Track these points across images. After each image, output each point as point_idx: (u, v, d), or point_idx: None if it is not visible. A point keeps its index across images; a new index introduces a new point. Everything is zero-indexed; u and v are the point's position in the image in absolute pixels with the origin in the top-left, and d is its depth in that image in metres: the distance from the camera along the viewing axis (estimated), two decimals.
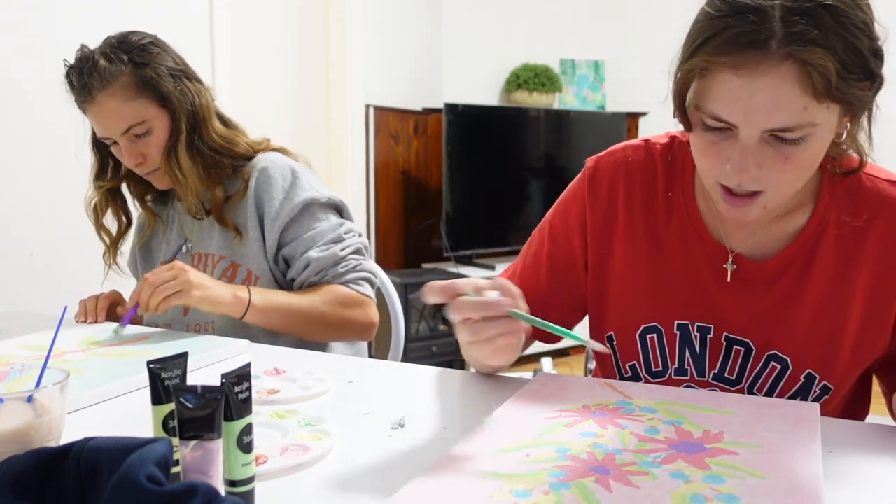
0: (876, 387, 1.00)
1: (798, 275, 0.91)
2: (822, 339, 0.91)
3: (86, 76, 1.26)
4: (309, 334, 1.32)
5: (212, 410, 0.57)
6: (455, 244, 3.60)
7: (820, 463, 0.67)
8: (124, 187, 1.46)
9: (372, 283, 1.39)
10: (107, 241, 1.44)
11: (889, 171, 0.93)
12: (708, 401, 0.85)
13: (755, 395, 0.94)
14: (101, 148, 1.40)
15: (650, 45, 4.19)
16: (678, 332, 0.97)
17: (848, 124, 0.82)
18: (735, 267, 0.93)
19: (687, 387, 0.97)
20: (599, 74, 4.32)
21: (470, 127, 3.60)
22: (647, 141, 1.02)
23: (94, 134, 1.37)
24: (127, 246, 1.50)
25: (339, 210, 1.41)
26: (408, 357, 3.16)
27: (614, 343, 1.02)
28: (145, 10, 2.26)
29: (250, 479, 0.60)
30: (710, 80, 0.78)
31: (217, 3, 2.54)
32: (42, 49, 1.93)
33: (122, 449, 0.52)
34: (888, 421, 0.85)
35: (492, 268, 3.61)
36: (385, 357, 1.64)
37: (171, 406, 0.62)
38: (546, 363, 3.03)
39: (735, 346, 0.95)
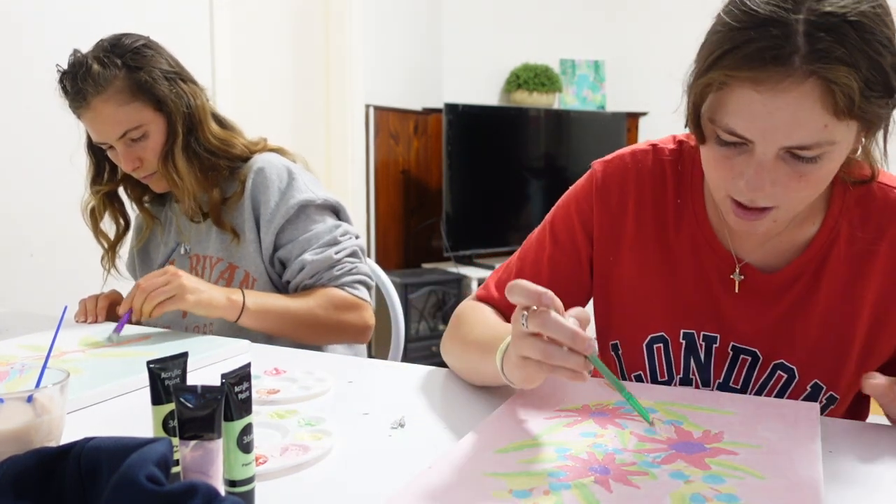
0: None
1: (808, 285, 0.91)
2: (830, 350, 0.91)
3: (80, 82, 1.25)
4: (304, 338, 1.32)
5: (212, 410, 0.57)
6: (455, 244, 3.59)
7: (820, 463, 0.67)
8: (121, 190, 1.45)
9: (368, 286, 1.38)
10: (105, 245, 1.44)
11: None
12: (708, 401, 0.85)
13: None
14: (96, 152, 1.39)
15: (650, 45, 4.20)
16: (684, 342, 0.96)
17: (863, 139, 0.80)
18: (743, 277, 0.92)
19: None
20: (599, 74, 4.32)
21: (470, 127, 3.60)
22: (654, 146, 0.99)
23: (89, 138, 1.37)
24: (125, 248, 1.49)
25: (336, 212, 1.41)
26: (408, 357, 3.16)
27: (619, 352, 1.01)
28: (145, 11, 2.26)
29: (250, 479, 0.60)
30: (727, 93, 0.75)
31: (217, 3, 2.54)
32: (42, 49, 1.93)
33: (122, 449, 0.52)
34: (888, 421, 0.85)
35: (492, 268, 3.61)
36: (385, 357, 1.64)
37: (171, 406, 0.62)
38: None
39: (742, 356, 0.94)
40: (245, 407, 0.59)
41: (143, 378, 0.77)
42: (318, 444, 0.74)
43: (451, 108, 3.52)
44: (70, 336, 1.19)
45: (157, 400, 0.63)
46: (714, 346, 0.95)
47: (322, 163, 3.26)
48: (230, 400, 0.58)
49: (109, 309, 1.37)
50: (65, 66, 1.28)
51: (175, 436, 0.59)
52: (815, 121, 0.72)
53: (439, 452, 0.72)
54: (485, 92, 4.09)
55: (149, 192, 1.46)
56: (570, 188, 1.05)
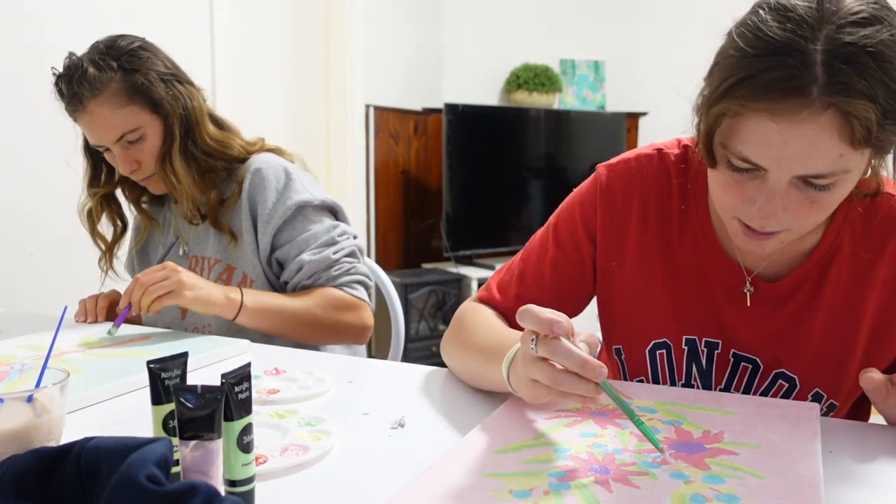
0: None
1: (810, 294, 0.90)
2: (831, 359, 0.91)
3: (75, 85, 1.24)
4: (302, 337, 1.32)
5: (212, 410, 0.57)
6: (455, 244, 3.60)
7: (820, 463, 0.67)
8: (119, 191, 1.45)
9: (366, 287, 1.38)
10: (102, 247, 1.43)
11: None
12: (708, 401, 0.85)
13: None
14: (93, 154, 1.39)
15: (650, 45, 4.21)
16: (686, 348, 0.96)
17: (873, 161, 0.79)
18: (752, 290, 0.92)
19: None
20: (599, 74, 4.32)
21: (470, 127, 3.60)
22: (659, 151, 0.98)
23: (86, 140, 1.36)
24: (123, 249, 1.49)
25: (334, 212, 1.40)
26: (408, 357, 3.16)
27: (622, 357, 1.01)
28: (145, 11, 2.26)
29: (250, 479, 0.60)
30: (742, 121, 0.73)
31: (217, 3, 2.54)
32: (42, 49, 1.93)
33: (122, 449, 0.52)
34: (885, 421, 0.85)
35: (492, 268, 3.61)
36: (385, 357, 1.64)
37: (171, 406, 0.62)
38: None
39: (742, 363, 0.94)
40: (245, 407, 0.59)
41: (143, 378, 0.77)
42: (318, 444, 0.74)
43: (451, 108, 3.52)
44: (70, 336, 1.19)
45: (157, 400, 0.63)
46: (716, 352, 0.95)
47: (322, 163, 3.26)
48: (230, 400, 0.58)
49: (109, 309, 1.37)
50: (60, 69, 1.28)
51: (175, 436, 0.59)
52: (831, 151, 0.71)
53: (439, 452, 0.72)
54: (485, 92, 4.09)
55: (147, 194, 1.45)
56: (574, 191, 1.04)
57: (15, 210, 1.95)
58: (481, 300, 1.07)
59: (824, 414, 0.92)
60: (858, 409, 1.00)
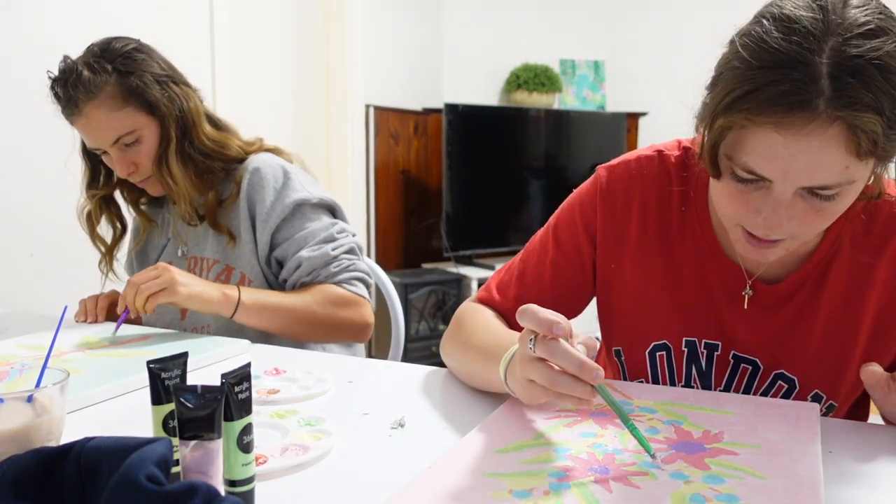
0: None
1: (810, 295, 0.90)
2: (831, 360, 0.91)
3: (70, 88, 1.24)
4: (301, 335, 1.31)
5: (212, 410, 0.57)
6: (455, 244, 3.60)
7: (820, 463, 0.67)
8: (117, 193, 1.45)
9: (366, 283, 1.37)
10: (102, 249, 1.43)
11: None
12: (708, 401, 0.85)
13: None
14: (91, 156, 1.39)
15: (650, 45, 4.21)
16: (686, 349, 0.96)
17: (877, 169, 0.78)
18: (752, 293, 0.92)
19: None
20: (599, 74, 4.32)
21: (470, 127, 3.61)
22: (660, 152, 0.98)
23: (83, 143, 1.36)
24: (122, 252, 1.49)
25: (332, 210, 1.40)
26: (408, 357, 3.16)
27: (622, 358, 1.01)
28: (145, 11, 2.26)
29: (250, 479, 0.60)
30: (747, 134, 0.73)
31: (217, 3, 2.54)
32: (42, 50, 1.94)
33: (122, 449, 0.52)
34: (882, 420, 0.85)
35: (492, 268, 3.61)
36: (385, 357, 1.64)
37: (171, 406, 0.62)
38: None
39: (742, 365, 0.94)
40: (245, 407, 0.59)
41: (143, 378, 0.77)
42: (318, 444, 0.74)
43: (451, 108, 3.52)
44: (70, 336, 1.19)
45: (157, 400, 0.63)
46: (716, 353, 0.95)
47: (322, 163, 3.26)
48: (230, 400, 0.58)
49: (109, 309, 1.37)
50: (56, 73, 1.27)
51: (175, 436, 0.59)
52: (837, 163, 0.71)
53: (439, 452, 0.72)
54: (485, 92, 4.09)
55: (145, 195, 1.45)
56: (574, 192, 1.04)
57: (15, 210, 1.95)
58: (481, 301, 1.07)
59: (823, 414, 0.92)
60: (857, 410, 1.00)
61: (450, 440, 0.77)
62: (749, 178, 0.76)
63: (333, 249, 1.33)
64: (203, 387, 0.57)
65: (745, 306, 0.92)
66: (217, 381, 0.59)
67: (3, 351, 1.09)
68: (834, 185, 0.73)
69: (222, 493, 0.53)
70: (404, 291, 3.31)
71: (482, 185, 3.72)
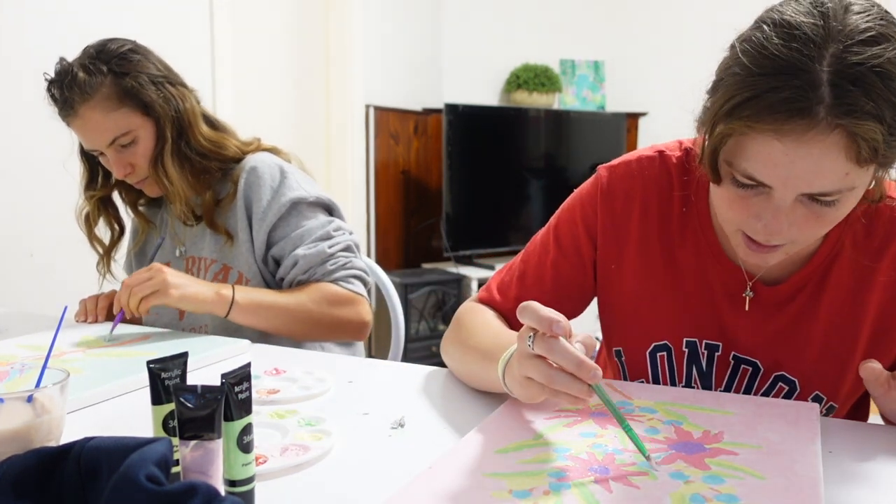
0: None
1: (810, 297, 0.90)
2: (832, 362, 0.91)
3: (66, 90, 1.24)
4: (298, 334, 1.31)
5: (212, 410, 0.57)
6: (455, 244, 3.60)
7: (820, 463, 0.67)
8: (115, 195, 1.45)
9: (364, 281, 1.37)
10: (100, 250, 1.43)
11: None
12: (708, 401, 0.85)
13: None
14: (89, 158, 1.39)
15: (650, 45, 4.21)
16: (686, 350, 0.96)
17: (878, 174, 0.78)
18: (752, 294, 0.92)
19: None
20: (599, 74, 4.32)
21: (470, 127, 3.61)
22: (661, 153, 0.98)
23: (81, 144, 1.36)
24: (122, 252, 1.49)
25: (329, 209, 1.40)
26: (408, 357, 3.16)
27: (623, 358, 1.01)
28: (145, 12, 2.26)
29: (250, 479, 0.60)
30: (747, 140, 0.73)
31: (217, 3, 2.54)
32: (42, 50, 1.94)
33: (122, 449, 0.52)
34: (882, 420, 0.85)
35: (491, 268, 3.61)
36: (385, 357, 1.64)
37: (171, 406, 0.62)
38: None
39: (742, 366, 0.94)
40: (245, 407, 0.59)
41: (143, 378, 0.77)
42: (318, 444, 0.74)
43: (451, 109, 3.52)
44: (70, 336, 1.19)
45: (157, 400, 0.63)
46: (716, 354, 0.95)
47: (322, 163, 3.26)
48: (230, 400, 0.58)
49: (109, 309, 1.37)
50: (52, 74, 1.27)
51: (175, 436, 0.59)
52: (837, 170, 0.71)
53: (439, 452, 0.72)
54: (485, 92, 4.09)
55: (144, 196, 1.45)
56: (575, 192, 1.04)
57: (15, 210, 1.95)
58: (481, 301, 1.07)
59: (823, 416, 0.92)
60: (857, 411, 1.00)
61: (450, 440, 0.77)
62: (749, 184, 0.75)
63: (330, 247, 1.33)
64: (203, 387, 0.57)
65: (746, 308, 0.92)
66: (217, 381, 0.59)
67: (3, 351, 1.09)
68: (834, 192, 0.73)
69: (222, 493, 0.53)
70: (404, 291, 3.31)
71: (482, 185, 3.72)
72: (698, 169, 0.87)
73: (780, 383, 0.93)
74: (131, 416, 0.87)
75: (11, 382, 0.72)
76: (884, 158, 0.71)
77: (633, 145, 4.19)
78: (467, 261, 3.73)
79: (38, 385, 0.69)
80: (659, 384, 0.98)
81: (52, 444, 0.65)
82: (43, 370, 0.70)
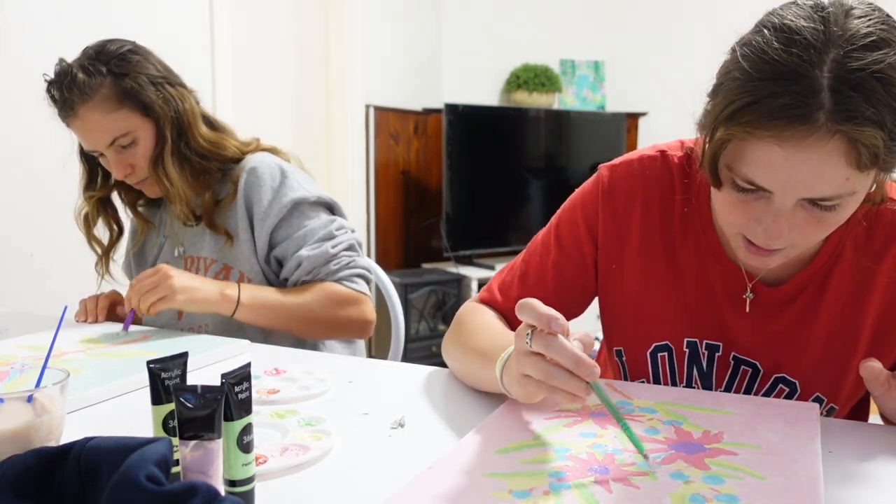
0: None
1: (811, 299, 0.90)
2: (832, 364, 0.91)
3: (65, 91, 1.24)
4: (302, 332, 1.32)
5: (212, 410, 0.57)
6: (455, 244, 3.60)
7: (819, 463, 0.67)
8: (114, 195, 1.45)
9: (367, 280, 1.37)
10: (98, 251, 1.43)
11: None
12: (708, 401, 0.85)
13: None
14: (88, 158, 1.39)
15: (650, 45, 4.21)
16: (687, 350, 0.96)
17: (879, 177, 0.78)
18: (753, 296, 0.92)
19: None
20: (599, 74, 4.32)
21: (470, 127, 3.61)
22: (663, 153, 0.97)
23: (80, 145, 1.36)
24: (120, 252, 1.49)
25: (330, 208, 1.40)
26: (408, 357, 3.16)
27: (623, 358, 1.01)
28: (145, 12, 2.26)
29: (250, 479, 0.60)
30: (748, 145, 0.72)
31: (217, 3, 2.54)
32: (43, 49, 1.94)
33: (122, 449, 0.52)
34: (881, 420, 0.85)
35: (492, 268, 3.61)
36: (385, 357, 1.64)
37: (171, 406, 0.62)
38: None
39: (742, 367, 0.94)
40: (245, 407, 0.59)
41: (143, 378, 0.77)
42: (318, 444, 0.74)
43: (451, 109, 3.52)
44: (70, 336, 1.19)
45: (157, 400, 0.63)
46: (717, 355, 0.95)
47: (322, 163, 3.26)
48: (230, 400, 0.58)
49: (109, 309, 1.37)
50: (52, 75, 1.27)
51: (175, 436, 0.59)
52: (837, 175, 0.70)
53: (439, 452, 0.72)
54: (485, 92, 4.09)
55: (143, 197, 1.45)
56: (576, 191, 1.03)
57: (15, 210, 1.95)
58: (483, 301, 1.07)
59: (823, 416, 0.92)
60: (858, 413, 1.00)
61: (450, 440, 0.77)
62: (749, 189, 0.75)
63: (333, 247, 1.33)
64: (203, 387, 0.57)
65: (747, 309, 0.92)
66: (217, 381, 0.59)
67: (3, 351, 1.09)
68: (835, 197, 0.73)
69: (222, 493, 0.53)
70: (404, 291, 3.31)
71: (482, 186, 3.72)
72: (699, 171, 0.87)
73: (780, 385, 0.93)
74: (131, 416, 0.87)
75: (11, 382, 0.72)
76: (885, 163, 0.71)
77: (633, 145, 4.19)
78: (467, 261, 3.73)
79: (38, 385, 0.69)
80: (660, 384, 0.98)
81: (52, 444, 0.65)
82: (43, 370, 0.70)
